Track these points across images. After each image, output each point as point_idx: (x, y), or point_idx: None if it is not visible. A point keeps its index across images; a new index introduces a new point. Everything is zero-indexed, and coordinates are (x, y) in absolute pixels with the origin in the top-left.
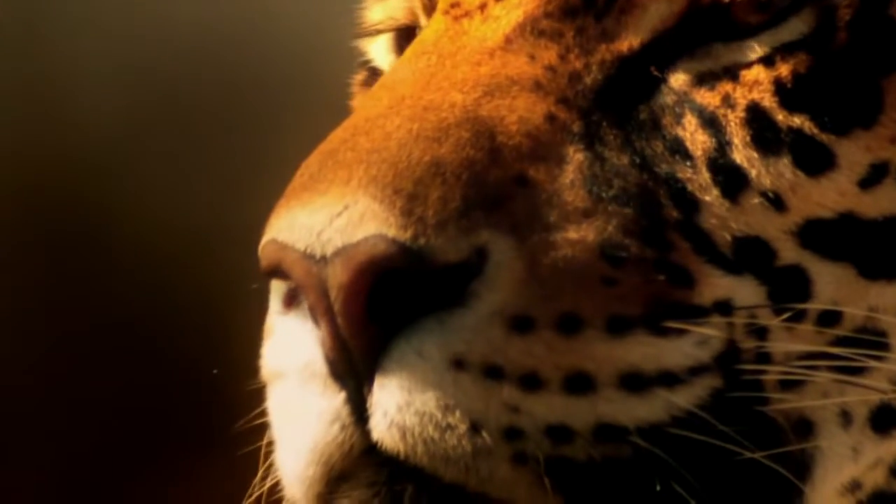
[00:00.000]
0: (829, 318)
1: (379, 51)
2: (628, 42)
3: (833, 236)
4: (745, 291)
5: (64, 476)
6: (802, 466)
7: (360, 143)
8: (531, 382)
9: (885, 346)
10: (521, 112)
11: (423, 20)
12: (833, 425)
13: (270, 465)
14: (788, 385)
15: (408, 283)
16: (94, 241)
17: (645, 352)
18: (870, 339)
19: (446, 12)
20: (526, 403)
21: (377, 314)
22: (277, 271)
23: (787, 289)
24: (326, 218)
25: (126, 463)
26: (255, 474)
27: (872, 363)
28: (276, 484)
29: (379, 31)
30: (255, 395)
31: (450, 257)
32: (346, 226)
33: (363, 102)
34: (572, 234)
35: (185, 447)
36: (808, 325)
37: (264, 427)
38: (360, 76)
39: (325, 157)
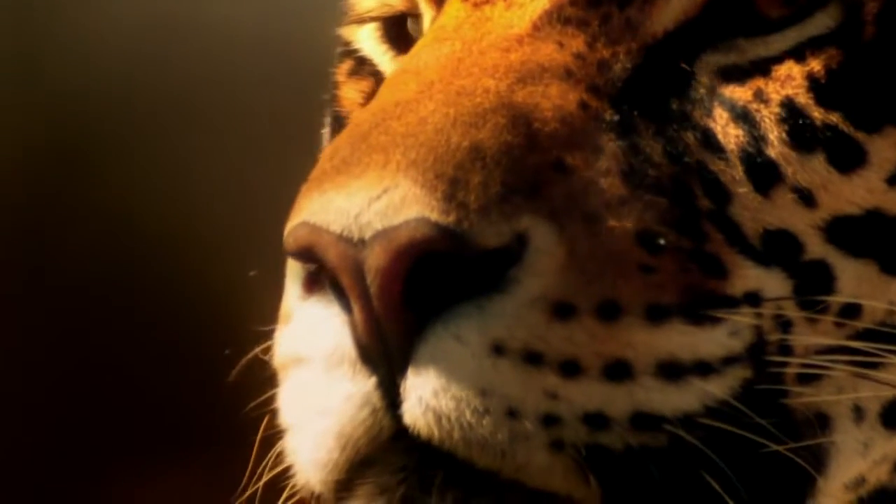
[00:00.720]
0: (850, 313)
1: (366, 40)
2: (653, 31)
3: (858, 233)
4: (774, 283)
5: (20, 477)
6: (816, 461)
7: (393, 127)
8: (571, 369)
9: None
10: (554, 99)
11: (424, 7)
12: (847, 420)
13: (260, 462)
14: (806, 379)
15: (444, 268)
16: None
17: (682, 340)
18: (888, 332)
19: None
20: (564, 390)
21: (412, 299)
22: (307, 254)
23: (813, 283)
24: (364, 201)
25: (90, 464)
26: (225, 475)
27: (889, 358)
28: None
29: (372, 19)
30: (228, 395)
31: (491, 242)
32: (387, 209)
33: (386, 88)
34: (610, 221)
35: (152, 449)
36: (829, 319)
37: (228, 429)
38: (345, 65)
39: (357, 140)
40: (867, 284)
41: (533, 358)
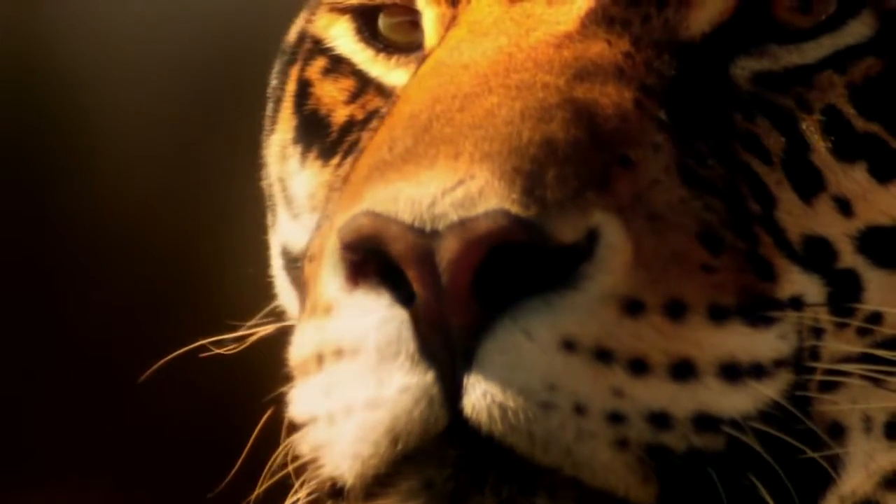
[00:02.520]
0: (873, 323)
1: (341, 38)
2: (690, 34)
3: (887, 243)
4: (814, 290)
5: None
6: (833, 470)
7: (458, 119)
8: (639, 367)
9: None
10: (612, 96)
11: (425, 4)
12: (859, 431)
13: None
14: (827, 386)
15: (513, 263)
16: None
17: (741, 341)
18: None
19: None
20: (631, 388)
21: (480, 292)
22: (369, 244)
23: (844, 291)
24: (438, 191)
25: None
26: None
27: None
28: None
29: (350, 9)
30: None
31: (566, 237)
32: (464, 199)
33: (430, 80)
34: (673, 218)
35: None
36: (854, 327)
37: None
38: (318, 63)
39: (419, 131)
40: (891, 294)
41: (603, 355)
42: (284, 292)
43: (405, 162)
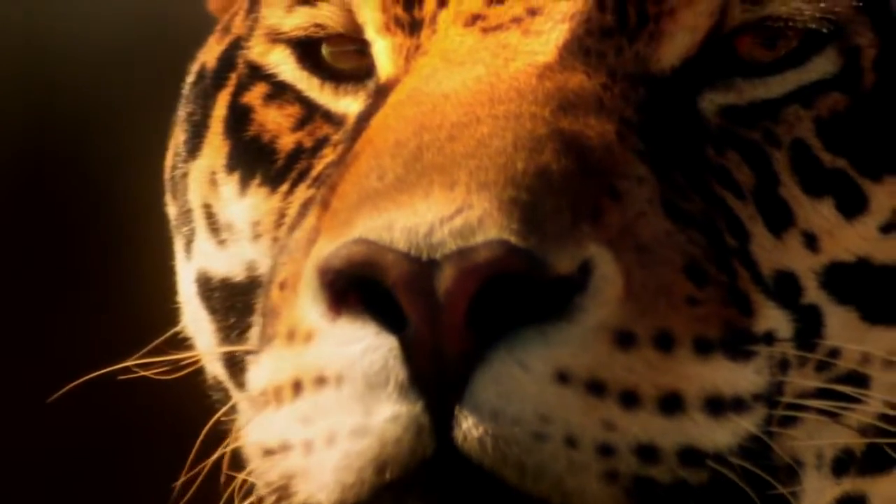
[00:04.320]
0: (832, 358)
1: (283, 65)
2: (660, 68)
3: (847, 280)
4: (784, 325)
5: None
6: None
7: (448, 148)
8: (630, 399)
9: (866, 388)
10: (596, 128)
11: (376, 34)
12: (812, 468)
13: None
14: (786, 421)
15: (508, 292)
16: None
17: (724, 375)
18: (858, 379)
19: (468, 24)
20: (622, 421)
21: (474, 321)
22: (362, 272)
23: (808, 326)
24: (435, 220)
25: None
26: None
27: (855, 406)
28: None
29: (287, 40)
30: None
31: (564, 269)
32: (462, 229)
33: (410, 109)
34: (660, 251)
35: None
36: (813, 363)
37: None
38: (258, 89)
39: (409, 160)
40: (847, 331)
41: (596, 387)
42: (197, 320)
43: (398, 191)
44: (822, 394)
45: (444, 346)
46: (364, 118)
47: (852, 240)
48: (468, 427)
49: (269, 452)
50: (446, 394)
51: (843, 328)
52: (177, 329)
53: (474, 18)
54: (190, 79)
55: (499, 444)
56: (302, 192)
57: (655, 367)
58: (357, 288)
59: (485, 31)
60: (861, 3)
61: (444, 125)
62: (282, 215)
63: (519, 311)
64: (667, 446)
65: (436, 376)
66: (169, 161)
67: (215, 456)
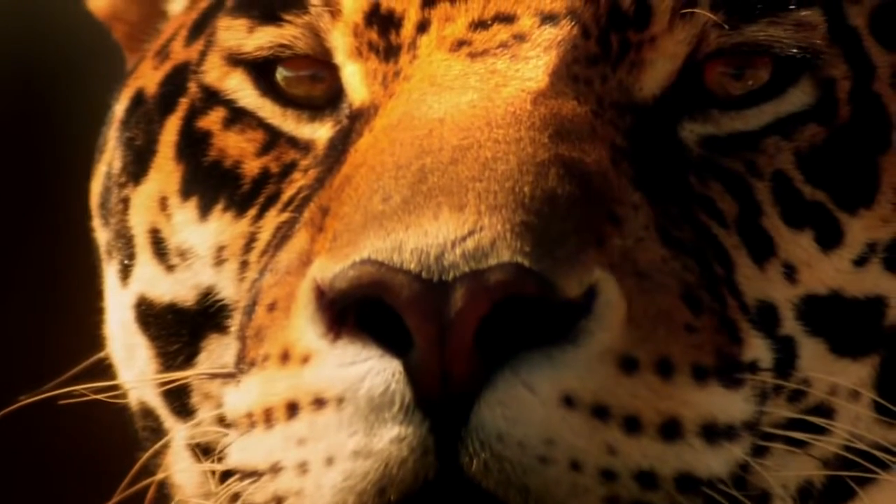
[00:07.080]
0: (801, 390)
1: (242, 90)
2: (643, 96)
3: (820, 312)
4: (765, 354)
5: None
6: None
7: (452, 171)
8: (632, 425)
9: (832, 420)
10: (592, 154)
11: (346, 58)
12: (778, 500)
13: None
14: (760, 451)
15: (515, 315)
16: None
17: (718, 402)
18: (825, 411)
19: (453, 49)
20: (624, 446)
21: (482, 344)
22: (370, 293)
23: (785, 357)
24: (447, 242)
25: None
26: None
27: (821, 438)
28: None
29: (244, 61)
30: None
31: (573, 292)
32: (475, 251)
33: (404, 133)
34: (658, 277)
35: None
36: (786, 393)
37: None
38: (216, 114)
39: (414, 182)
40: (817, 363)
41: (600, 411)
42: (130, 346)
43: (406, 213)
44: (791, 425)
45: (450, 367)
46: (340, 143)
47: (827, 272)
48: (473, 449)
49: (255, 474)
50: (451, 415)
51: (814, 359)
52: (101, 355)
53: (459, 44)
54: (121, 105)
55: (504, 467)
56: (273, 216)
57: (657, 393)
58: (356, 309)
59: (472, 56)
60: (834, 35)
61: (445, 148)
62: (251, 239)
63: (524, 333)
64: (665, 472)
65: (442, 398)
66: (98, 186)
67: (142, 485)
